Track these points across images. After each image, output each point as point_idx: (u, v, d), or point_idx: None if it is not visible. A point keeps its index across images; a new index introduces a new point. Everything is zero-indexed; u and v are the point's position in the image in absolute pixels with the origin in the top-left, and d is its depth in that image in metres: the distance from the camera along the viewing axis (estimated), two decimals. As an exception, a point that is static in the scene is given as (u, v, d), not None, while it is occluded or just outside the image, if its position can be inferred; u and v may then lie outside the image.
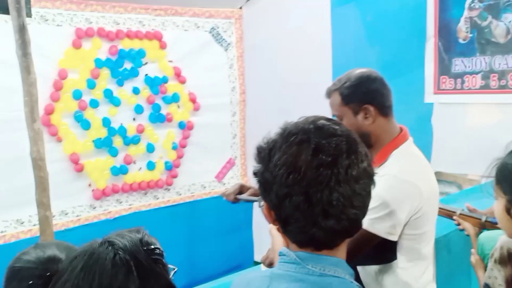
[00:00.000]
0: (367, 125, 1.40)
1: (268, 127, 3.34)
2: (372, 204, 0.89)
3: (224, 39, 3.61)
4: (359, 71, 1.45)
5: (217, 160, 3.70)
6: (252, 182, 3.68)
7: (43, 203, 1.79)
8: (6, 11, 1.64)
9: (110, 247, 0.89)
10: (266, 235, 3.75)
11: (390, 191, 1.29)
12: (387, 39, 3.04)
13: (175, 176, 3.45)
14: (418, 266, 1.41)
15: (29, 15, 1.70)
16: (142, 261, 0.89)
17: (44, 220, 1.82)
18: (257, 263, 3.71)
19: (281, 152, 0.84)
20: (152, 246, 0.93)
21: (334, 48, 3.19)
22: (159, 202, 3.39)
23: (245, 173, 3.86)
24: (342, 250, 0.88)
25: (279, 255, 0.91)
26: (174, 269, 0.98)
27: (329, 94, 1.47)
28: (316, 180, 0.80)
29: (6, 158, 2.67)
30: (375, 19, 3.07)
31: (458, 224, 1.74)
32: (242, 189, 1.97)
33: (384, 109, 1.42)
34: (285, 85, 3.54)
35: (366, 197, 0.85)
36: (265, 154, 0.88)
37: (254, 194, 1.91)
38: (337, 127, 0.86)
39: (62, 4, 2.83)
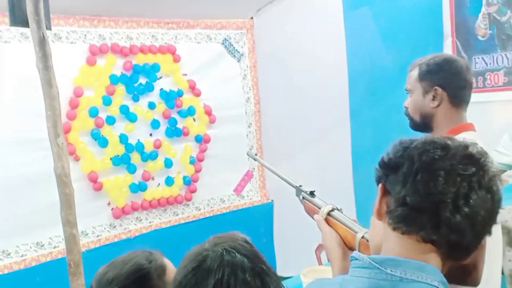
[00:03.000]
0: (431, 107, 1.39)
1: (285, 137, 3.28)
2: None
3: (236, 50, 3.58)
4: (450, 55, 1.47)
5: (235, 173, 3.64)
6: (271, 195, 3.58)
7: (69, 221, 1.73)
8: (26, 24, 1.61)
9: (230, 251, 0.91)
10: (288, 248, 3.67)
11: None
12: (403, 41, 2.99)
13: (194, 191, 3.38)
14: None
15: (48, 27, 1.66)
16: (258, 262, 0.91)
17: (71, 238, 1.75)
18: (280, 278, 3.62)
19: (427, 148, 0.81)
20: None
21: (348, 53, 3.13)
22: (179, 219, 3.32)
23: (263, 185, 3.79)
24: (436, 258, 0.79)
25: (351, 260, 0.83)
26: None
27: (411, 67, 1.47)
28: (458, 171, 0.76)
29: (23, 181, 2.62)
30: (389, 21, 3.03)
31: None
32: None
33: (455, 99, 1.40)
34: (300, 93, 3.49)
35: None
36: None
37: None
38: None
39: (75, 21, 2.81)
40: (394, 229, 0.80)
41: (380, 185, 0.84)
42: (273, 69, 3.66)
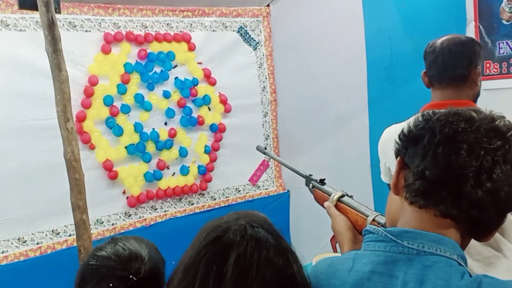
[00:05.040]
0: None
1: (301, 126, 3.22)
2: None
3: (252, 38, 3.53)
4: (442, 37, 1.52)
5: (250, 163, 3.60)
6: (287, 185, 3.56)
7: (79, 206, 1.72)
8: (34, 7, 1.60)
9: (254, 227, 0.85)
10: (304, 240, 3.62)
11: None
12: (424, 26, 2.89)
13: (209, 180, 3.36)
14: None
15: (58, 11, 1.65)
16: (282, 241, 0.86)
17: (81, 224, 1.75)
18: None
19: (449, 121, 0.77)
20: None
21: (367, 40, 3.05)
22: (194, 208, 3.31)
23: (279, 175, 3.75)
24: (455, 233, 0.75)
25: (364, 234, 0.80)
26: None
27: None
28: (483, 144, 0.72)
29: (38, 169, 2.63)
30: (410, 6, 2.93)
31: None
32: None
33: (430, 79, 1.51)
34: (317, 81, 3.43)
35: None
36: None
37: None
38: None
39: (89, 9, 2.80)
40: (411, 203, 0.77)
41: (398, 158, 0.81)
42: (289, 58, 3.61)
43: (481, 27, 2.69)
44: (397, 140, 0.81)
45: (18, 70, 2.57)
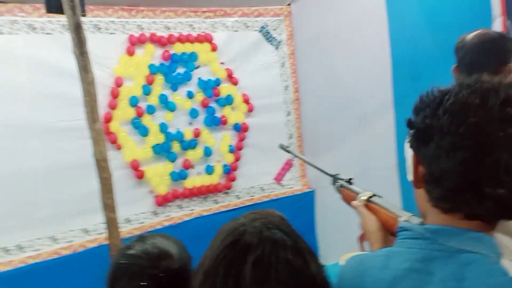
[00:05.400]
0: None
1: (325, 125, 3.19)
2: None
3: (274, 37, 3.53)
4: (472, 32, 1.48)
5: (275, 162, 3.60)
6: (313, 184, 3.53)
7: (108, 205, 1.76)
8: (61, 10, 1.63)
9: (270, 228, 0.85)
10: (330, 239, 3.59)
11: None
12: (448, 23, 2.83)
13: (233, 180, 3.38)
14: None
15: (83, 14, 1.68)
16: (299, 240, 0.86)
17: (110, 222, 1.78)
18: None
19: (460, 96, 0.69)
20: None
21: (392, 37, 3.01)
22: (219, 207, 3.33)
23: (304, 174, 3.74)
24: (485, 230, 0.72)
25: (398, 231, 0.78)
26: None
27: None
28: (497, 136, 0.65)
29: (68, 167, 2.69)
30: (434, 2, 2.89)
31: None
32: None
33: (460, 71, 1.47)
34: (341, 80, 3.41)
35: None
36: (435, 98, 0.73)
37: None
38: None
39: (114, 12, 2.85)
40: (435, 206, 0.74)
41: (413, 154, 0.77)
42: (312, 56, 3.59)
43: (508, 22, 2.62)
44: (409, 130, 0.77)
45: (45, 72, 2.64)
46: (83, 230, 2.79)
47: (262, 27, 3.47)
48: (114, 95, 2.87)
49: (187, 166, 3.17)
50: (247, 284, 0.77)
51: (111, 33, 2.86)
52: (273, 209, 0.94)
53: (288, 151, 1.90)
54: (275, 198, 3.58)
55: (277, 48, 3.56)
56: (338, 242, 3.35)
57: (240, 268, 0.78)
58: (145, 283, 1.07)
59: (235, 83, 3.36)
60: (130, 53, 2.93)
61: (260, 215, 0.90)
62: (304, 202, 3.70)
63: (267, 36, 3.50)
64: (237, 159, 3.40)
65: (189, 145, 3.18)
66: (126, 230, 2.91)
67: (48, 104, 2.67)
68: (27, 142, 2.60)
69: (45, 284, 2.59)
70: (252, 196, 3.51)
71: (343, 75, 3.38)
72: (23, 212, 2.59)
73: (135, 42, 2.93)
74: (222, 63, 3.30)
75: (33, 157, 2.63)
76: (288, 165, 3.69)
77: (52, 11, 1.71)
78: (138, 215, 3.00)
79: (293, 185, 3.69)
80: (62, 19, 2.46)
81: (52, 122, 2.68)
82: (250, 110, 3.44)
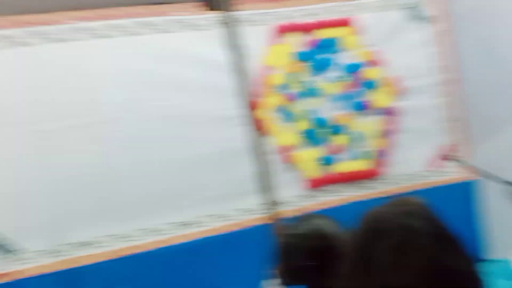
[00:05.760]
0: None
1: (491, 107, 2.89)
2: None
3: (424, 14, 3.33)
4: None
5: (429, 147, 3.35)
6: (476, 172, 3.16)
7: (267, 187, 1.84)
8: (217, 7, 1.79)
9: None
10: (499, 233, 3.19)
11: None
12: None
13: (384, 166, 3.26)
14: None
15: (236, 9, 1.81)
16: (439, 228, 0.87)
17: (270, 203, 1.86)
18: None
19: None
20: None
21: None
22: (371, 194, 3.22)
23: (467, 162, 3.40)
24: None
25: None
26: None
27: None
28: None
29: (223, 153, 2.90)
30: None
31: None
32: None
33: None
34: (507, 56, 3.06)
35: None
36: None
37: None
38: None
39: (262, 4, 3.02)
40: None
41: None
42: (473, 32, 3.28)
43: None
44: None
45: (203, 66, 2.90)
46: (244, 210, 2.96)
47: (409, 4, 3.30)
48: (264, 84, 3.02)
49: (335, 151, 3.16)
50: (385, 269, 0.81)
51: (261, 25, 3.02)
52: (416, 197, 0.96)
53: (465, 165, 1.74)
54: (431, 186, 3.33)
55: (428, 25, 3.34)
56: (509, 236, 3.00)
57: (377, 254, 0.82)
58: (309, 261, 1.17)
59: (382, 65, 3.25)
60: (278, 42, 3.05)
61: (401, 202, 0.93)
62: (464, 191, 3.40)
63: (416, 14, 3.32)
64: (388, 144, 3.27)
65: (337, 130, 3.17)
66: (281, 211, 3.01)
67: (206, 95, 2.91)
68: (193, 130, 2.89)
69: (216, 256, 2.84)
70: (405, 183, 3.32)
71: (509, 51, 3.05)
72: (194, 193, 2.88)
73: (282, 31, 3.06)
74: (367, 46, 3.23)
75: (195, 144, 2.90)
76: (445, 152, 3.39)
77: (210, 9, 1.89)
78: (291, 198, 3.06)
79: (452, 173, 3.38)
80: (218, 15, 2.70)
81: (210, 111, 2.92)
82: (400, 93, 3.29)
